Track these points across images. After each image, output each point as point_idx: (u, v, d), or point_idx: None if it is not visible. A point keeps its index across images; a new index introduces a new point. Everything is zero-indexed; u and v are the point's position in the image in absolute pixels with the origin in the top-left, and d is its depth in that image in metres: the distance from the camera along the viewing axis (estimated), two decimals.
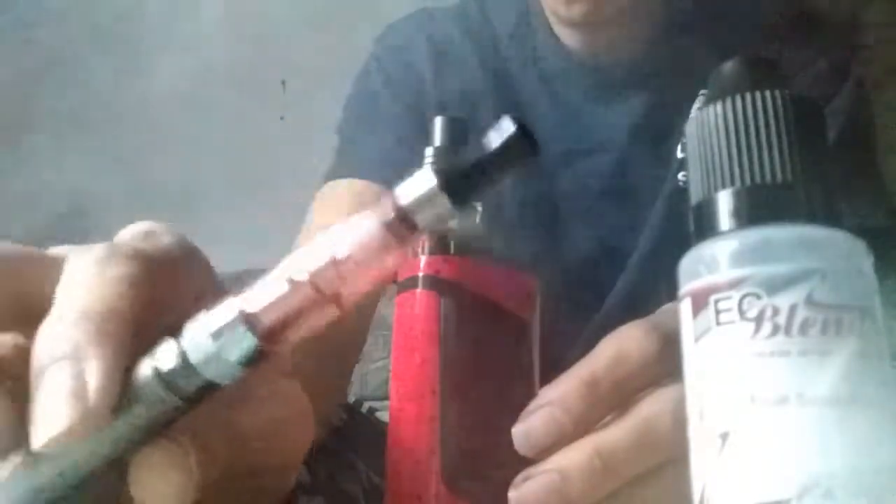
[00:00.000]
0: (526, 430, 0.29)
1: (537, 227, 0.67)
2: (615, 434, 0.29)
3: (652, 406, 0.29)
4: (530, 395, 0.31)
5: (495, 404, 0.32)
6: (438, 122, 0.36)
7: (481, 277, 0.33)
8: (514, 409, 0.30)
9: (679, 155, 0.63)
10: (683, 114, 0.61)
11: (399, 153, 0.67)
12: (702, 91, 0.61)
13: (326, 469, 0.63)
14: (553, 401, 0.30)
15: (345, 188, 0.70)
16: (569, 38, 0.67)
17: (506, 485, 0.30)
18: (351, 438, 0.66)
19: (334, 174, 0.72)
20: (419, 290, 0.33)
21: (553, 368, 0.64)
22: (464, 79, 0.70)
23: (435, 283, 0.33)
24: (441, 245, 0.34)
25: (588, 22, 0.62)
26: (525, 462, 0.30)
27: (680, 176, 0.63)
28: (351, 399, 0.78)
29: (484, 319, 0.33)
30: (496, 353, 0.33)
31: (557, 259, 0.67)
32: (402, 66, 0.73)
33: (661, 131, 0.65)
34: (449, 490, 0.31)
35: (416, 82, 0.71)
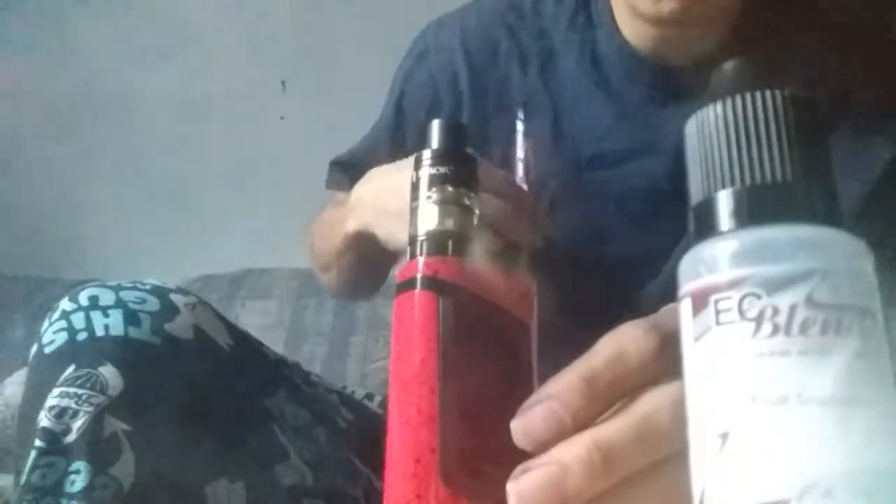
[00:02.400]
0: (524, 423, 0.30)
1: (586, 225, 0.66)
2: (614, 429, 0.29)
3: (651, 402, 0.29)
4: (529, 394, 0.31)
5: (495, 403, 0.32)
6: (436, 126, 0.36)
7: (479, 278, 0.33)
8: (514, 409, 0.30)
9: None
10: None
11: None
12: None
13: (328, 471, 0.63)
14: (552, 395, 0.30)
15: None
16: (636, 35, 0.64)
17: (506, 484, 0.30)
18: (354, 441, 0.66)
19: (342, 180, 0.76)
20: (418, 290, 0.33)
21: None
22: (507, 83, 0.68)
23: (433, 283, 0.33)
24: (439, 246, 0.34)
25: (675, 21, 0.59)
26: (525, 460, 0.30)
27: None
28: (360, 395, 0.78)
29: (482, 319, 0.33)
30: (495, 352, 0.33)
31: (602, 259, 0.66)
32: (442, 69, 0.72)
33: None
34: (449, 489, 0.31)
35: (454, 91, 0.70)
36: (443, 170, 0.35)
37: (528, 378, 0.34)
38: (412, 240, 0.35)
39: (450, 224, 0.34)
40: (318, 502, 0.61)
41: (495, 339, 0.33)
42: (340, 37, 1.83)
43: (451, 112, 0.69)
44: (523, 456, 0.30)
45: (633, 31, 0.65)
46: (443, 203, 0.34)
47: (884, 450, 0.23)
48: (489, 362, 0.33)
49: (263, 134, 1.81)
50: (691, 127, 0.27)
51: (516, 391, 0.32)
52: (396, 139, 0.74)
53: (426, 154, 0.35)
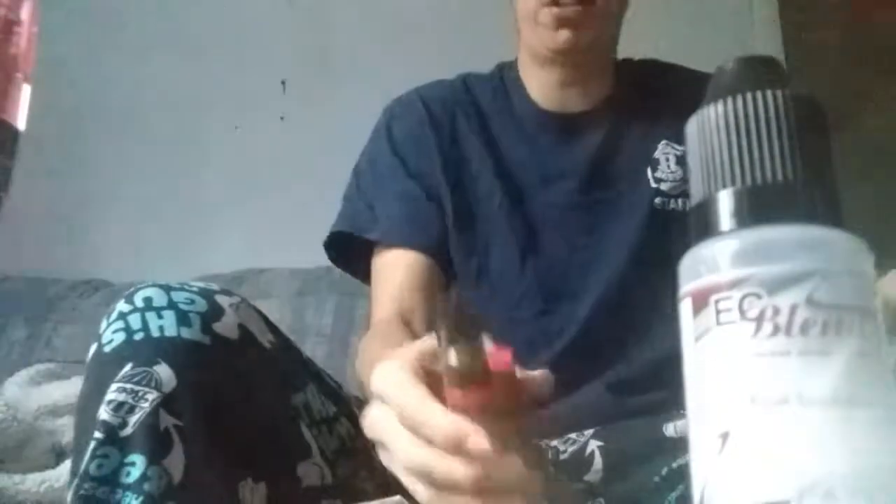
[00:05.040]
0: None
1: (520, 236, 0.85)
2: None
3: None
4: None
5: None
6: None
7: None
8: None
9: (653, 183, 0.85)
10: (627, 149, 0.86)
11: (421, 214, 0.86)
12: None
13: (347, 466, 0.65)
14: None
15: (395, 259, 0.86)
16: (543, 92, 0.90)
17: None
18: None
19: (361, 229, 0.88)
20: None
21: (532, 359, 0.72)
22: (459, 135, 0.91)
23: None
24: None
25: (568, 48, 0.81)
26: None
27: (656, 200, 0.84)
28: None
29: None
30: None
31: (537, 261, 0.84)
32: (405, 126, 0.91)
33: (610, 161, 0.87)
34: None
35: (419, 143, 0.89)
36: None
37: None
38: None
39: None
40: (336, 502, 0.64)
41: None
42: (340, 37, 1.82)
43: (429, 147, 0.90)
44: None
45: (539, 88, 0.90)
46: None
47: (884, 450, 0.23)
48: None
49: (263, 134, 1.81)
50: (692, 127, 0.27)
51: None
52: (399, 179, 0.89)
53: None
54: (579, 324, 0.81)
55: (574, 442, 0.77)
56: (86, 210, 1.86)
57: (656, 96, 0.90)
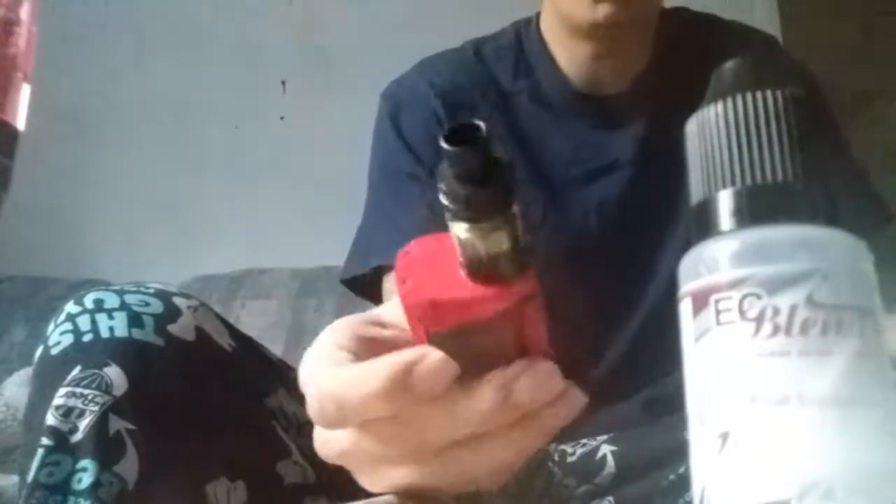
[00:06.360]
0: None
1: (572, 239, 0.76)
2: None
3: None
4: None
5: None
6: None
7: None
8: None
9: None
10: (673, 136, 0.69)
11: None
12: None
13: (332, 468, 0.64)
14: None
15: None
16: (574, 65, 0.78)
17: None
18: None
19: (378, 256, 0.77)
20: None
21: (591, 358, 0.72)
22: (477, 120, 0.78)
23: None
24: None
25: (609, 24, 0.71)
26: None
27: None
28: None
29: None
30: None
31: (590, 265, 0.75)
32: (416, 122, 0.79)
33: (657, 152, 0.75)
34: None
35: (431, 137, 0.76)
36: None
37: None
38: None
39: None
40: (320, 499, 0.62)
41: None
42: (340, 37, 1.83)
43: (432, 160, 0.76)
44: None
45: (570, 61, 0.78)
46: None
47: (884, 450, 0.23)
48: None
49: (263, 134, 1.81)
50: (692, 126, 0.27)
51: None
52: (404, 195, 0.78)
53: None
54: (626, 343, 0.76)
55: (584, 445, 0.73)
56: (85, 210, 1.86)
57: (699, 62, 0.75)
